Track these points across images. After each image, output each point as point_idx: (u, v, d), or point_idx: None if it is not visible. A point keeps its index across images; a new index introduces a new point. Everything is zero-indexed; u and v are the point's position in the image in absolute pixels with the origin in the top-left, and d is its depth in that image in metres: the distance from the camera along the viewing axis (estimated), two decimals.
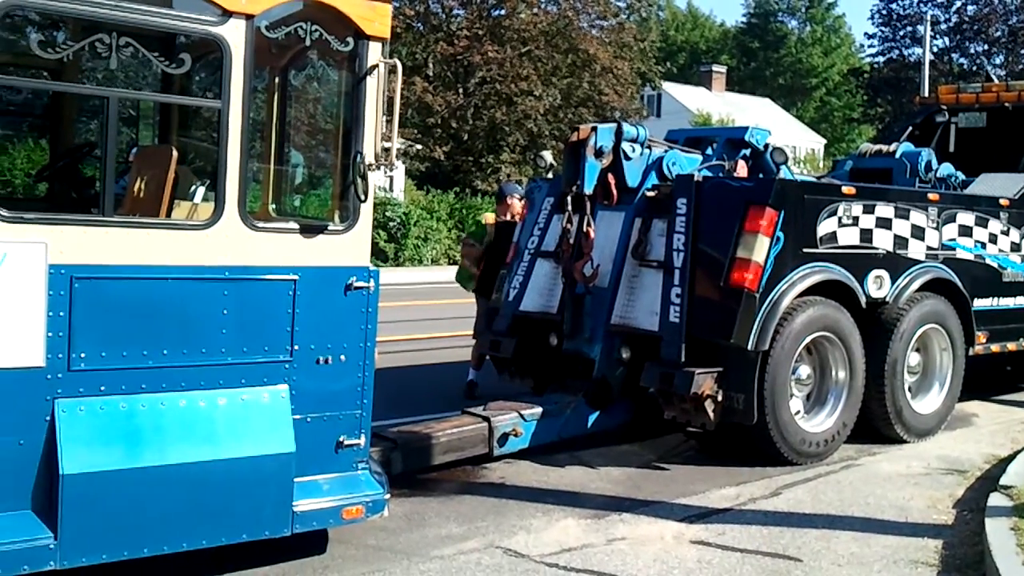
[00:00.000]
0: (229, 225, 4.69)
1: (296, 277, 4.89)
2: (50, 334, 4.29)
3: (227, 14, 4.63)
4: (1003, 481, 6.61)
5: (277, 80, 6.21)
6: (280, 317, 4.86)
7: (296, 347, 4.91)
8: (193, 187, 6.29)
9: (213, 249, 4.67)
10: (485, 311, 9.24)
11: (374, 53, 5.05)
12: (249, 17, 4.68)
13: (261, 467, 4.75)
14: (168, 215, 5.27)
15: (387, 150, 5.08)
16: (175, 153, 5.42)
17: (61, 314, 4.31)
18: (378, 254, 24.87)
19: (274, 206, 6.20)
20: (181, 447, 4.59)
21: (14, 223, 4.21)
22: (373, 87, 5.05)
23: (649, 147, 8.24)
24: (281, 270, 4.85)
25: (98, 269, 4.39)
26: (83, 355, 4.38)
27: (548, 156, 9.14)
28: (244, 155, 4.72)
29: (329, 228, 5.04)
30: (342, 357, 5.04)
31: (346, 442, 5.09)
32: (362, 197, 5.01)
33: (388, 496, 5.26)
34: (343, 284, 5.01)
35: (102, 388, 4.44)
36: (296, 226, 5.00)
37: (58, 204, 6.31)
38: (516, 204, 9.54)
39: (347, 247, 5.04)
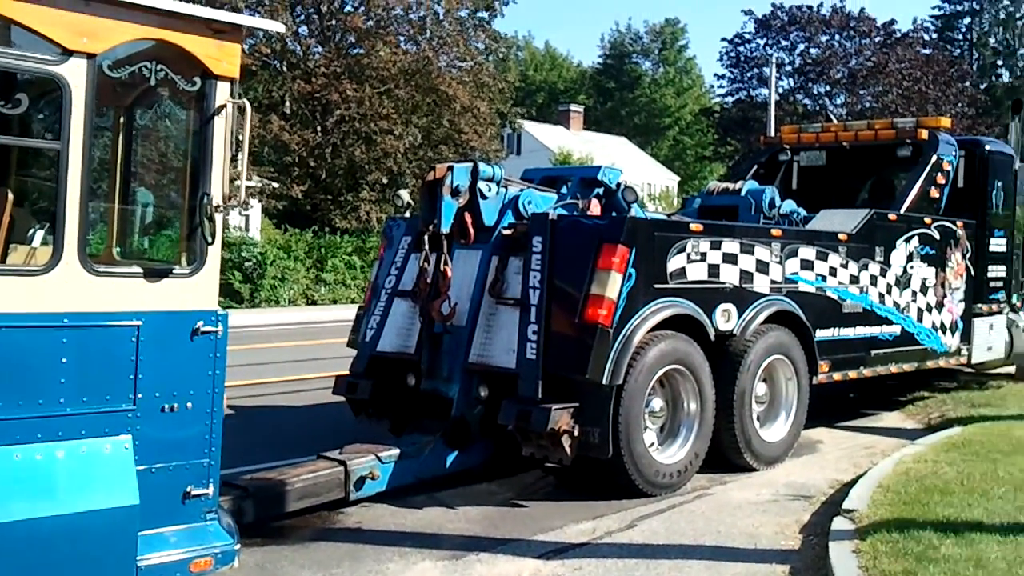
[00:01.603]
0: (68, 270, 4.52)
1: (140, 323, 4.73)
2: None
3: (67, 53, 4.49)
4: (846, 505, 6.89)
5: (122, 119, 6.04)
6: (123, 365, 4.69)
7: (140, 395, 4.75)
8: (31, 230, 6.04)
9: (51, 295, 4.49)
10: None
11: (222, 93, 4.97)
12: (91, 56, 4.55)
13: (103, 521, 4.54)
14: (3, 260, 5.05)
15: (237, 191, 4.99)
16: (10, 195, 5.21)
17: None
18: (233, 295, 24.33)
19: (118, 249, 6.01)
20: (17, 503, 4.36)
21: None
22: (221, 127, 4.96)
23: (505, 186, 8.35)
24: (124, 316, 4.69)
25: None
26: None
27: (405, 195, 9.15)
28: (85, 197, 4.56)
29: (175, 271, 4.91)
30: (188, 404, 4.90)
31: (193, 492, 4.94)
32: (209, 239, 4.90)
33: (238, 546, 5.11)
34: (190, 329, 4.88)
35: None
36: (140, 270, 4.85)
37: None
38: None
39: (194, 290, 4.91)
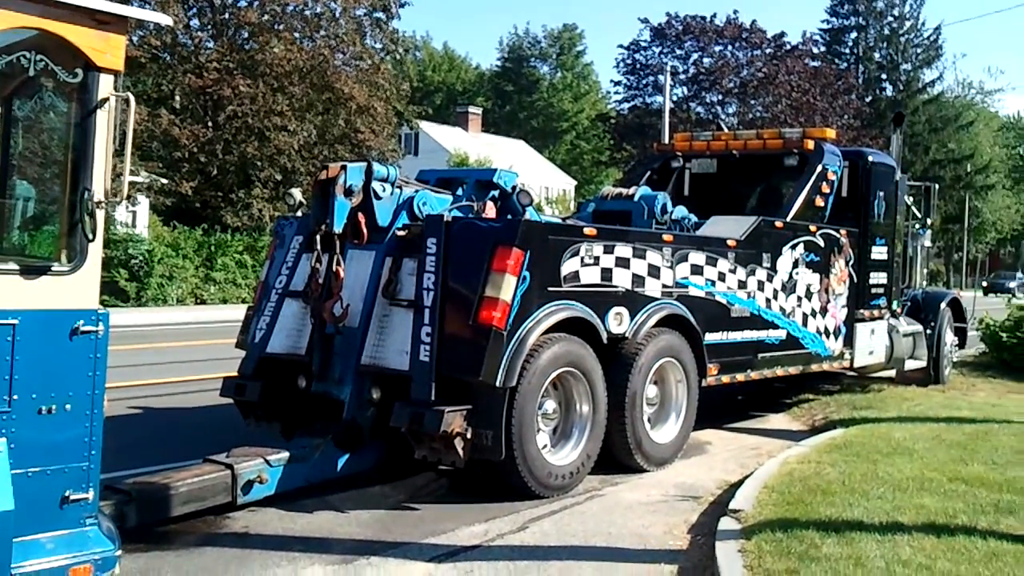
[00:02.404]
0: None
1: (16, 321, 4.54)
2: None
3: None
4: (732, 506, 7.03)
5: (0, 110, 5.81)
6: None
7: (15, 396, 4.55)
8: None
9: None
10: None
11: (105, 86, 4.81)
12: None
13: None
14: None
15: (120, 186, 4.84)
16: None
17: None
18: (118, 293, 23.65)
19: None
20: None
21: None
22: (104, 121, 4.80)
23: (400, 187, 8.29)
24: None
25: None
26: None
27: (297, 193, 9.00)
28: None
29: (54, 268, 4.73)
30: (67, 406, 4.72)
31: (72, 497, 4.76)
32: (90, 236, 4.74)
33: (120, 552, 4.94)
34: (69, 328, 4.71)
35: None
36: (16, 266, 4.66)
37: None
38: None
39: (73, 289, 4.74)
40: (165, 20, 5.84)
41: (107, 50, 4.80)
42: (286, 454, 7.16)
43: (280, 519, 6.93)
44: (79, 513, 4.80)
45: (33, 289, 4.64)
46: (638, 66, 53.64)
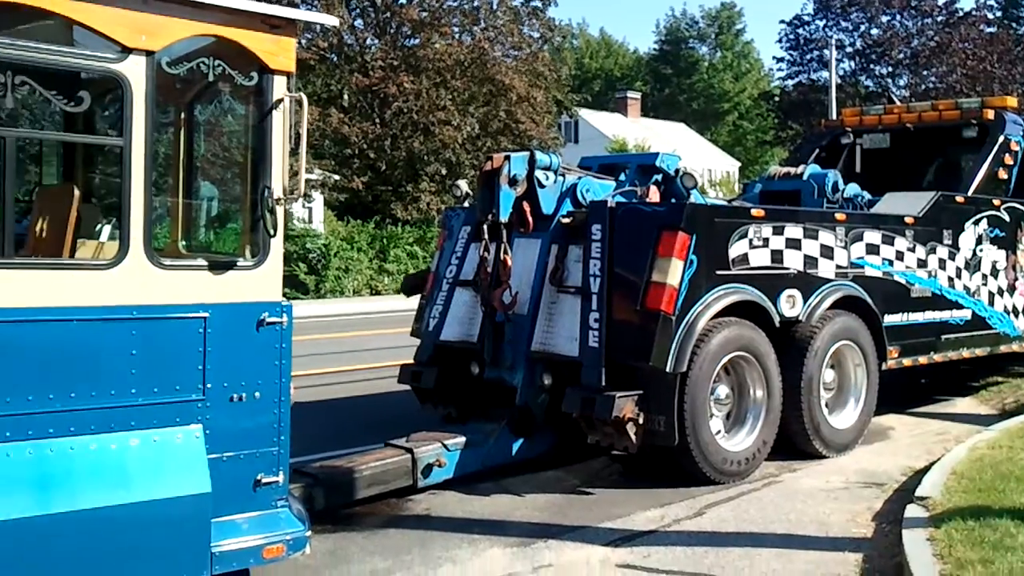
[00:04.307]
0: (135, 263, 4.59)
1: (206, 315, 4.80)
2: None
3: (126, 51, 4.55)
4: (919, 493, 6.75)
5: (183, 115, 6.13)
6: (191, 356, 4.76)
7: (209, 385, 4.81)
8: (98, 225, 6.15)
9: (119, 288, 4.56)
10: None
11: (279, 87, 5.01)
12: (149, 53, 4.61)
13: (177, 509, 4.63)
14: (72, 255, 5.15)
15: (297, 183, 5.03)
16: (77, 192, 5.30)
17: None
18: (298, 286, 24.59)
19: (183, 242, 6.10)
20: (93, 492, 4.45)
21: None
22: (279, 121, 5.00)
23: (563, 174, 8.31)
24: (190, 308, 4.76)
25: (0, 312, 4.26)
26: None
27: (463, 185, 9.15)
28: (148, 192, 4.63)
29: (239, 264, 4.96)
30: (256, 394, 4.96)
31: (264, 480, 5.00)
32: (271, 232, 4.95)
33: (309, 533, 5.16)
34: (255, 320, 4.94)
35: (7, 434, 4.30)
36: (205, 263, 4.92)
37: None
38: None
39: (258, 282, 4.97)
40: (332, 21, 6.03)
41: (279, 53, 5.00)
42: (463, 439, 7.32)
43: (459, 502, 7.09)
44: (271, 495, 5.04)
45: (221, 284, 4.88)
46: (801, 41, 51.93)
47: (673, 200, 8.72)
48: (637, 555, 5.94)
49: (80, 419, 4.47)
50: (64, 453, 4.42)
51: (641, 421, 7.19)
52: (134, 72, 4.57)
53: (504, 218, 7.91)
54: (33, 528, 4.26)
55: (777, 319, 8.03)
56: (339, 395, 11.16)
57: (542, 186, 8.10)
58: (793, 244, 8.28)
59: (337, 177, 31.09)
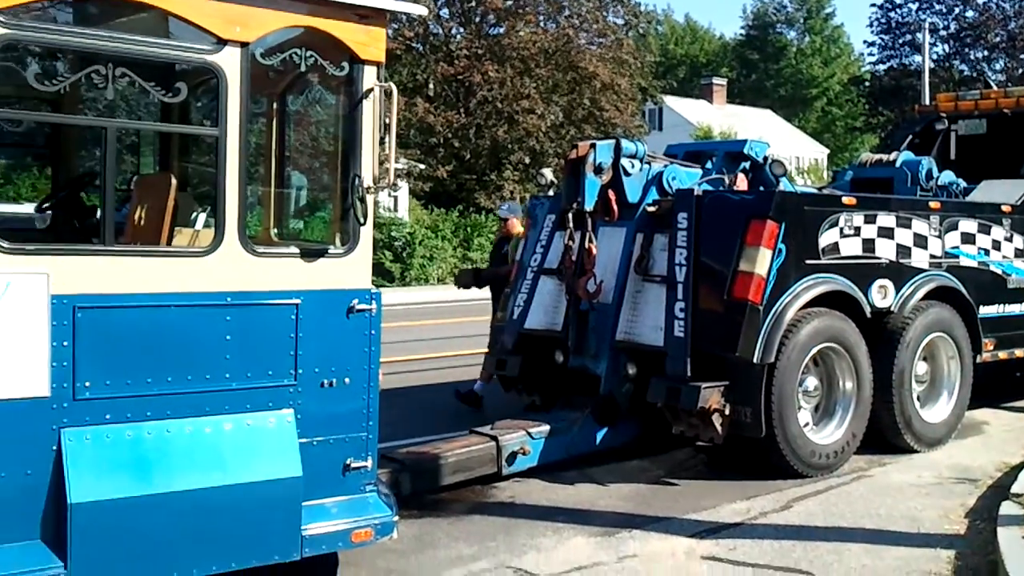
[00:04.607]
0: (230, 251, 4.68)
1: (298, 301, 4.88)
2: (54, 364, 4.28)
3: (222, 42, 4.63)
4: (1015, 489, 6.59)
5: (275, 105, 6.22)
6: (283, 341, 4.85)
7: (300, 371, 4.90)
8: (194, 214, 6.30)
9: (214, 275, 4.66)
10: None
11: (369, 77, 5.05)
12: (244, 45, 4.68)
13: (269, 492, 4.72)
14: (169, 242, 5.28)
15: (385, 172, 5.09)
16: (174, 181, 5.43)
17: (64, 344, 4.30)
18: (384, 274, 24.86)
19: (275, 230, 6.21)
20: (188, 473, 4.57)
21: (15, 254, 4.21)
22: (369, 111, 5.05)
23: (648, 162, 8.26)
24: (283, 294, 4.85)
25: (100, 298, 4.38)
26: (87, 384, 4.36)
27: (548, 173, 9.17)
28: (243, 181, 4.72)
29: (330, 251, 5.03)
30: (346, 380, 5.03)
31: (353, 465, 5.07)
32: (361, 220, 5.01)
33: (397, 518, 5.23)
34: (345, 307, 5.01)
35: (107, 416, 4.42)
36: (297, 250, 5.00)
37: (59, 234, 6.32)
38: (515, 223, 9.65)
39: (348, 270, 5.03)
40: (420, 10, 6.06)
41: (370, 43, 5.04)
42: (547, 427, 7.35)
43: (543, 490, 7.12)
44: (359, 480, 5.11)
45: (312, 271, 4.96)
46: (893, 25, 50.61)
47: (762, 188, 8.60)
48: (723, 547, 5.90)
49: (176, 403, 4.58)
50: (161, 436, 4.54)
51: (727, 412, 7.13)
52: (229, 63, 4.65)
53: (589, 206, 7.89)
54: (131, 508, 4.38)
55: (868, 310, 7.89)
56: (425, 382, 11.25)
57: (627, 174, 8.05)
58: (885, 233, 8.11)
59: (422, 166, 31.38)
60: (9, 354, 4.18)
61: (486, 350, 9.35)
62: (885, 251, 8.09)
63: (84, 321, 4.34)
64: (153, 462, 4.50)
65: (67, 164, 6.89)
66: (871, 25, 52.18)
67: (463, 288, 10.10)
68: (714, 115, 57.65)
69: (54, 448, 4.29)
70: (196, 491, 4.54)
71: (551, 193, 9.09)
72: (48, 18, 4.96)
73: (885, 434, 8.10)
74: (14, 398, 4.20)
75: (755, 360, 7.11)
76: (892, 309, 8.10)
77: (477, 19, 33.56)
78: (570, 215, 7.96)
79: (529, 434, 7.21)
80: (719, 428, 7.13)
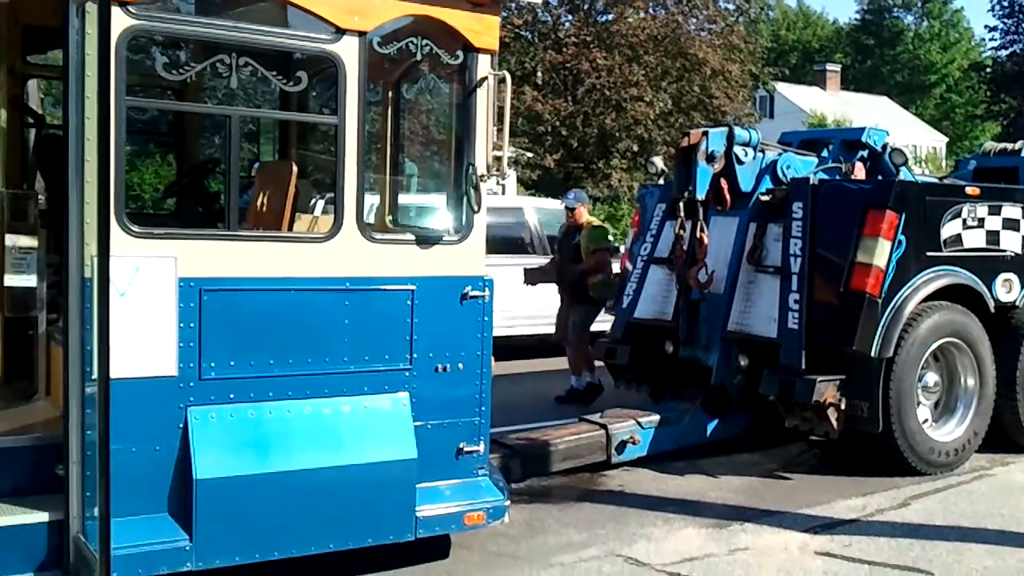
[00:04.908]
0: (348, 237, 4.78)
1: (414, 287, 4.95)
2: (181, 345, 4.44)
3: (340, 31, 4.72)
4: None
5: (391, 94, 6.32)
6: (399, 326, 4.93)
7: (415, 355, 4.98)
8: (313, 200, 6.45)
9: (334, 261, 4.77)
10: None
11: (483, 65, 5.09)
12: (362, 34, 4.76)
13: (385, 473, 4.83)
14: (290, 228, 5.41)
15: (498, 160, 5.12)
16: (295, 168, 5.57)
17: (191, 325, 4.45)
18: None
19: (391, 218, 6.31)
20: (308, 453, 4.70)
21: (144, 238, 4.37)
22: (483, 99, 5.08)
23: (762, 150, 8.12)
24: (399, 280, 4.93)
25: (225, 281, 4.53)
26: (213, 364, 4.51)
27: (659, 162, 9.07)
28: (361, 169, 4.81)
29: (444, 239, 5.09)
30: (460, 365, 5.09)
31: (466, 449, 5.14)
32: (475, 208, 5.06)
33: (508, 503, 5.28)
34: (459, 293, 5.06)
35: (231, 396, 4.57)
36: (412, 237, 5.08)
37: (185, 219, 6.53)
38: (582, 212, 9.58)
39: (462, 257, 5.09)
40: None
41: (483, 31, 5.07)
42: (657, 417, 7.31)
43: (653, 480, 7.09)
44: (472, 464, 5.18)
45: (427, 258, 5.03)
46: (1016, 8, 48.66)
47: (880, 177, 8.37)
48: (838, 543, 5.78)
49: (297, 384, 4.71)
50: (282, 416, 4.67)
51: (843, 407, 6.99)
52: (348, 52, 4.74)
53: (701, 195, 7.79)
54: (253, 485, 4.53)
55: (992, 304, 7.63)
56: (533, 369, 11.28)
57: (740, 162, 7.92)
58: (1011, 225, 7.82)
59: (530, 154, 31.40)
60: (139, 335, 4.34)
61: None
62: (1010, 243, 7.81)
63: (210, 303, 4.49)
64: (274, 441, 4.64)
65: (190, 151, 7.12)
66: (992, 9, 50.24)
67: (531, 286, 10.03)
68: (827, 102, 56.35)
69: (180, 426, 4.46)
70: (315, 470, 4.66)
71: (661, 181, 9.01)
72: (172, 8, 5.10)
73: (1008, 432, 7.82)
74: (145, 376, 4.37)
75: (873, 354, 6.94)
76: (1017, 304, 7.81)
77: (585, 6, 33.37)
78: (681, 204, 7.87)
79: (639, 423, 7.18)
80: (834, 423, 6.99)
